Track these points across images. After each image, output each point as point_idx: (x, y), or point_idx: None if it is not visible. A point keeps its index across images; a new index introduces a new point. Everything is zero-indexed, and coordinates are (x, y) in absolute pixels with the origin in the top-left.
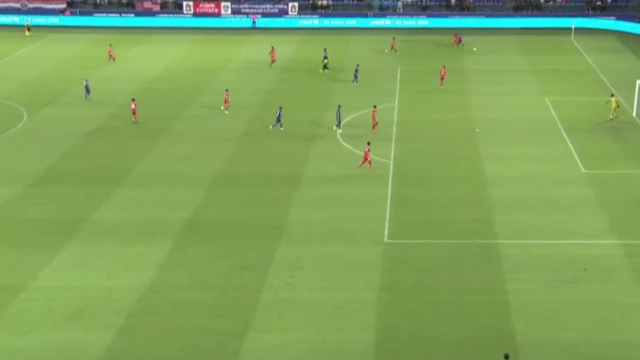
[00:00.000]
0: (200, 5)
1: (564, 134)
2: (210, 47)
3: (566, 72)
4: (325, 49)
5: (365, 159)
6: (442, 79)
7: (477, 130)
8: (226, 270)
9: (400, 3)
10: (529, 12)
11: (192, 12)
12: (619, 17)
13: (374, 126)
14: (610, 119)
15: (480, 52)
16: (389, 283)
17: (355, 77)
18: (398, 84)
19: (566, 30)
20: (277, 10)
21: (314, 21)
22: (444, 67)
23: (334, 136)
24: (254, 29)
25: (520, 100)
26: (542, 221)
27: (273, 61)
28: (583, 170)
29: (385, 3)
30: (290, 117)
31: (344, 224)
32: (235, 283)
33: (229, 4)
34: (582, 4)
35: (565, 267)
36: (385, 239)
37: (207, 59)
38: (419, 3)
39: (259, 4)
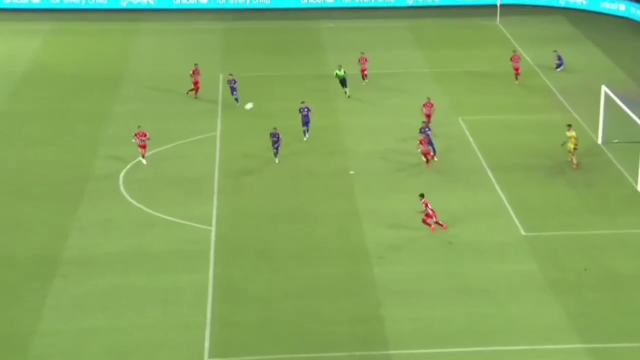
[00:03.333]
0: None
1: (490, 173)
2: None
3: (489, 77)
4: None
5: (429, 217)
6: (427, 116)
7: (351, 172)
8: None
9: None
10: None
11: None
12: None
13: (427, 160)
14: (569, 162)
15: (355, 46)
16: None
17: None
18: (220, 99)
19: (488, 10)
20: None
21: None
22: (428, 98)
23: (115, 190)
24: None
25: (420, 122)
26: (459, 317)
27: (195, 88)
28: (522, 232)
29: None
30: (36, 161)
31: (139, 336)
32: None
33: None
34: None
35: None
36: (206, 359)
37: None
38: None
39: None
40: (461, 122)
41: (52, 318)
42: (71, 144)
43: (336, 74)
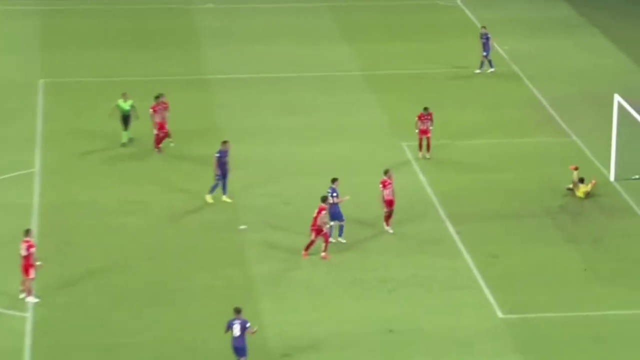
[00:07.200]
0: None
1: (450, 227)
2: None
3: (449, 80)
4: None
5: None
6: (388, 202)
7: (242, 227)
8: None
9: None
10: None
11: None
12: None
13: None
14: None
15: (247, 36)
16: None
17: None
18: (41, 116)
19: None
20: None
21: None
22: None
23: None
24: None
25: (343, 149)
26: None
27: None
28: (499, 314)
29: None
30: None
31: None
32: None
33: None
34: None
35: None
36: None
37: None
38: None
39: None
40: (406, 150)
41: None
42: None
43: (118, 105)
